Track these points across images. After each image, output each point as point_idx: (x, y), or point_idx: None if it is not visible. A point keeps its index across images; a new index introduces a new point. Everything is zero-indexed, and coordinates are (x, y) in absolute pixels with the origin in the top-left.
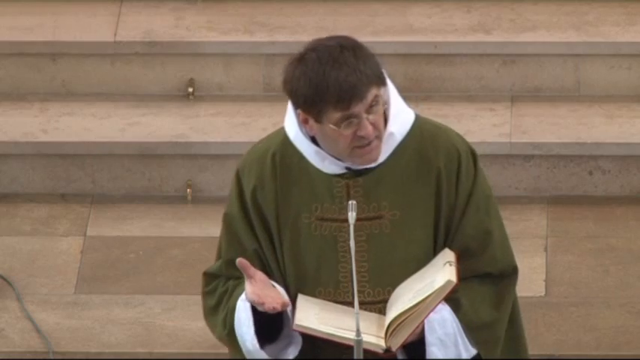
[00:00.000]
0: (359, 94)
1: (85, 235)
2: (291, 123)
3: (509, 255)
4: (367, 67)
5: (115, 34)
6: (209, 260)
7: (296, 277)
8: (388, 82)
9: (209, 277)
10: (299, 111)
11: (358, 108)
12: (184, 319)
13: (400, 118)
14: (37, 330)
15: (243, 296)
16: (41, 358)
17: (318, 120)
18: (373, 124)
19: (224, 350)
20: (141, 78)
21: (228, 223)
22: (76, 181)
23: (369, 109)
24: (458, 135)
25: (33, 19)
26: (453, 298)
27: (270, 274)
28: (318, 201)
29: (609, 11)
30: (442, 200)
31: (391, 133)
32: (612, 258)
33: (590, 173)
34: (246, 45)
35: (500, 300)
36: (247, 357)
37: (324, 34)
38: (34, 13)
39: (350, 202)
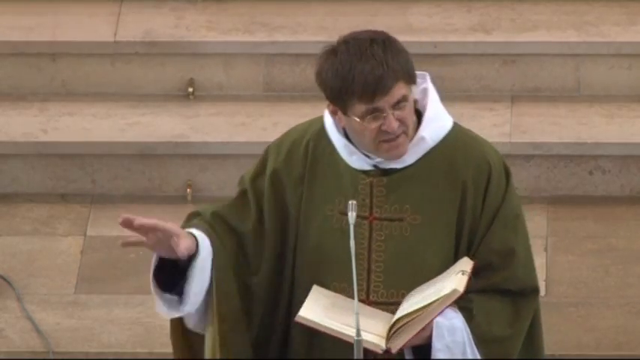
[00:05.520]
0: (383, 88)
1: (85, 235)
2: (328, 113)
3: (532, 276)
4: (396, 62)
5: (115, 34)
6: None
7: (310, 267)
8: (430, 85)
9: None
10: (329, 102)
11: (383, 102)
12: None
13: (435, 123)
14: (37, 330)
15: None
16: (41, 358)
17: (344, 112)
18: (400, 120)
19: None
20: (141, 78)
21: (242, 190)
22: (76, 181)
23: (396, 105)
24: (494, 150)
25: (33, 19)
26: (467, 308)
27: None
28: (342, 195)
29: (609, 11)
30: (466, 212)
31: (422, 137)
32: (612, 258)
33: (591, 173)
34: (246, 45)
35: (516, 318)
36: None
37: (324, 34)
38: (34, 13)
39: (350, 202)
